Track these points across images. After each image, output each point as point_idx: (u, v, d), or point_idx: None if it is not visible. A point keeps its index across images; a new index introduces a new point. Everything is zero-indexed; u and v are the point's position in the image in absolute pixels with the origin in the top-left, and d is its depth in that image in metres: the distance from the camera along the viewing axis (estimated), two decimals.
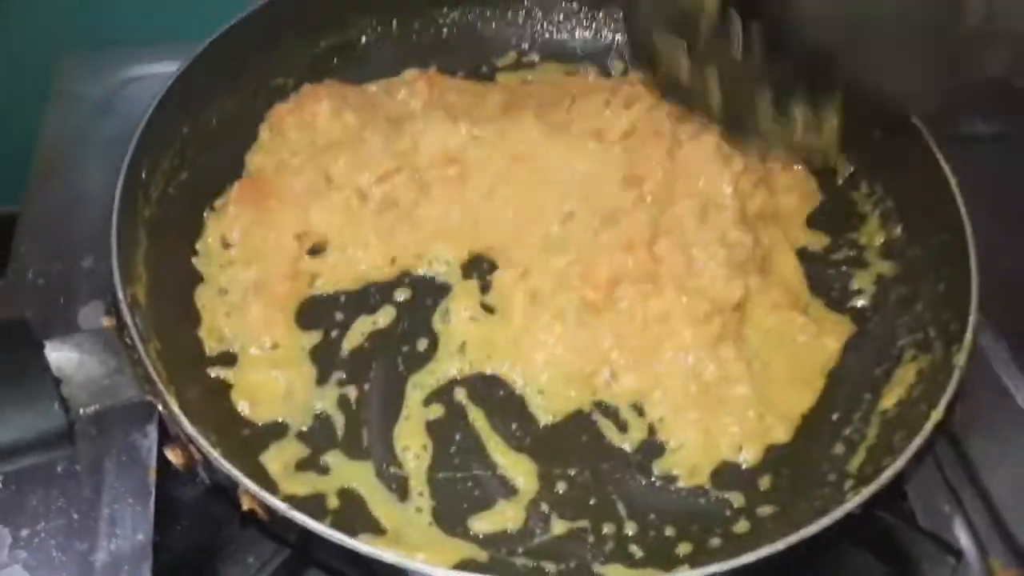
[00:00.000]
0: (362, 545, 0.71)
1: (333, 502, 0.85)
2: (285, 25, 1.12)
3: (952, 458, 1.02)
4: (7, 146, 1.41)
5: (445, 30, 1.24)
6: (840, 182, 1.08)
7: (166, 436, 0.88)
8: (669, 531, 0.84)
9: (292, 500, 0.76)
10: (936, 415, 0.81)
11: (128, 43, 1.41)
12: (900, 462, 0.79)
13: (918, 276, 0.98)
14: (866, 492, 0.77)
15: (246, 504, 0.76)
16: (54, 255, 1.14)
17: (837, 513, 0.76)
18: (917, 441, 0.79)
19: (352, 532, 0.73)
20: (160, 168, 0.97)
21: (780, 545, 0.73)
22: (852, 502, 0.77)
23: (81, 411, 0.76)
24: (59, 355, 0.77)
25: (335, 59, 1.18)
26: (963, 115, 1.36)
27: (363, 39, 1.20)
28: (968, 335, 0.86)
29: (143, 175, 0.94)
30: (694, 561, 0.79)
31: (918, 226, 1.01)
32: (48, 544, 0.90)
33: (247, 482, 0.74)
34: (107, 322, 0.83)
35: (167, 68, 1.33)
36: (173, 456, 0.85)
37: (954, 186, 0.95)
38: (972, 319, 0.87)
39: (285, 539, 0.83)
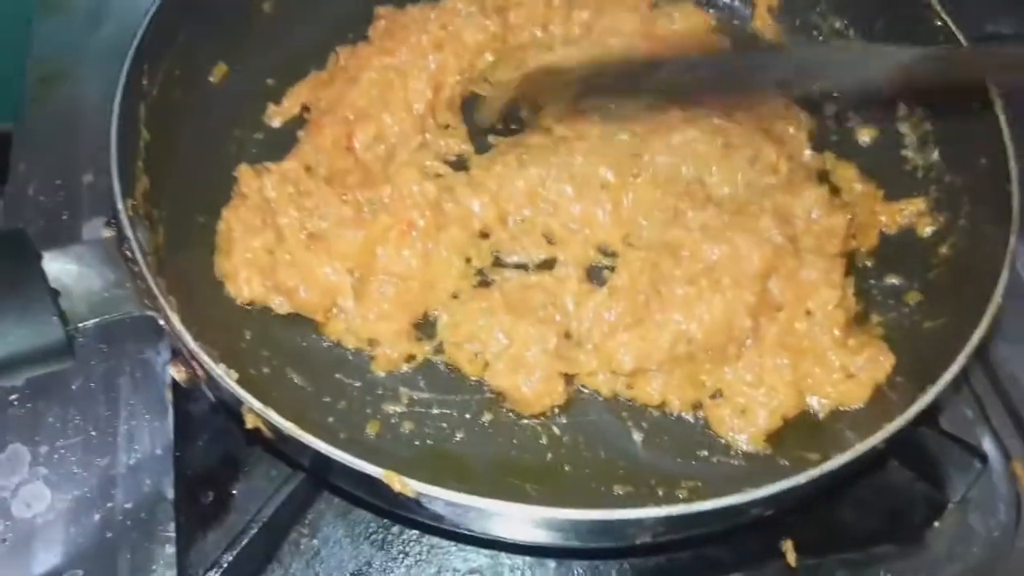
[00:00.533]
0: (372, 467, 0.68)
1: None
2: None
3: (978, 369, 1.01)
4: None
5: None
6: None
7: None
8: None
9: None
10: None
11: None
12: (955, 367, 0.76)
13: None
14: (925, 399, 0.75)
15: (250, 422, 0.74)
16: (54, 170, 1.10)
17: (883, 433, 0.74)
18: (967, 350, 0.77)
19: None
20: (159, 75, 0.92)
21: (832, 464, 0.72)
22: (895, 423, 0.74)
23: (80, 324, 0.74)
24: (57, 266, 0.74)
25: None
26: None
27: None
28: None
29: (144, 82, 0.89)
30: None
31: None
32: (68, 460, 0.89)
33: (248, 397, 0.72)
34: (107, 233, 0.80)
35: None
36: (176, 372, 0.83)
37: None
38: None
39: (298, 462, 0.82)
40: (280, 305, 0.87)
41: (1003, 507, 0.93)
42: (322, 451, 0.67)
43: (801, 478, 0.68)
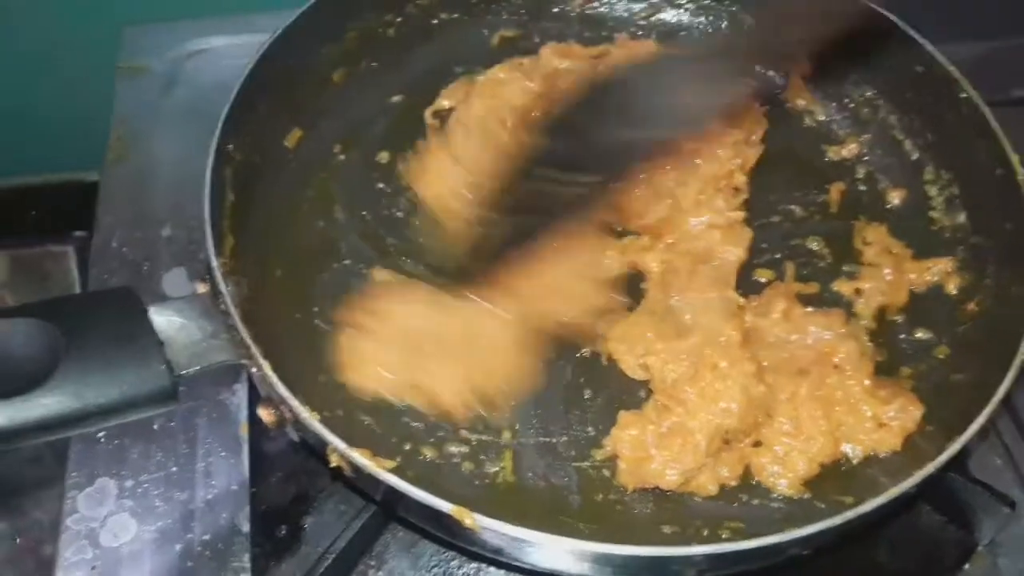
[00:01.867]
0: (443, 503, 0.74)
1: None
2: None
3: (1006, 418, 1.06)
4: (83, 114, 1.45)
5: None
6: None
7: (258, 395, 0.94)
8: None
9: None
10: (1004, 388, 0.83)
11: (188, 17, 1.45)
12: (982, 417, 0.81)
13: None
14: (955, 446, 0.80)
15: (333, 461, 0.80)
16: (134, 224, 1.19)
17: (915, 479, 0.79)
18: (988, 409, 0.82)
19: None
20: (243, 141, 1.01)
21: (867, 507, 0.77)
22: (926, 469, 0.79)
23: (184, 372, 0.81)
24: (162, 319, 0.81)
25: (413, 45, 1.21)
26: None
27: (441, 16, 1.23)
28: None
29: (230, 147, 0.98)
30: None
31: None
32: (151, 493, 0.96)
33: (335, 440, 0.78)
34: (202, 288, 0.87)
35: (227, 41, 1.41)
36: (265, 415, 0.89)
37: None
38: None
39: (371, 496, 0.88)
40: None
41: None
42: (402, 489, 0.74)
43: (836, 519, 0.73)
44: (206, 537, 0.94)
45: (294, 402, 0.77)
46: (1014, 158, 0.97)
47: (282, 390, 0.78)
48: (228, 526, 0.95)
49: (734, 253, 1.02)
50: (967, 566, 0.96)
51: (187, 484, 0.98)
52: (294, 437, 0.83)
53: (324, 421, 0.85)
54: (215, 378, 1.04)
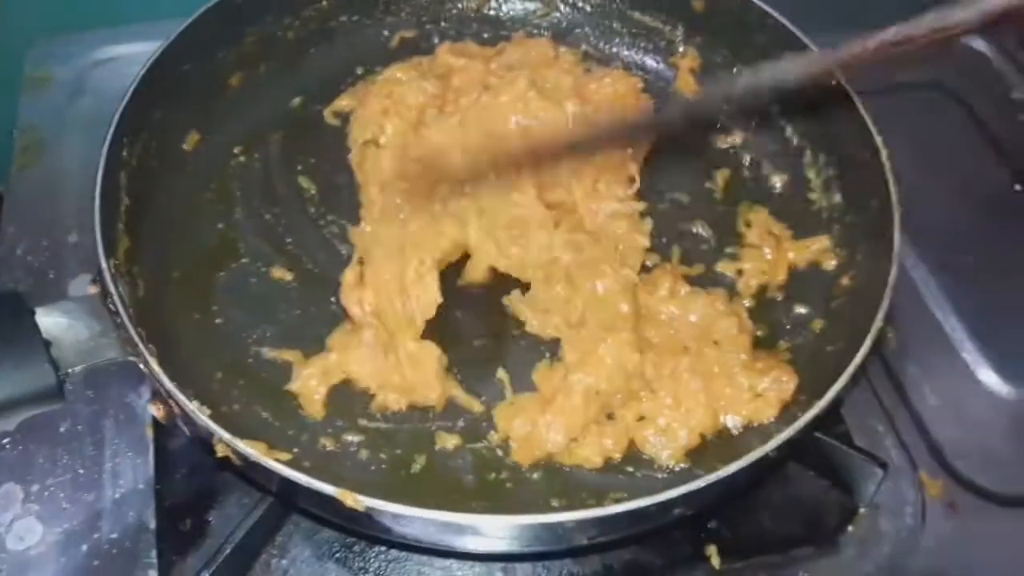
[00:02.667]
0: (326, 486, 0.76)
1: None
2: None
3: (886, 383, 1.12)
4: None
5: None
6: None
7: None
8: None
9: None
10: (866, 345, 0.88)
11: (96, 27, 1.46)
12: (838, 385, 0.86)
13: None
14: (809, 414, 0.85)
15: (220, 451, 0.82)
16: (40, 232, 1.19)
17: (783, 436, 0.83)
18: (850, 369, 0.87)
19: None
20: (137, 147, 1.03)
21: (732, 468, 0.81)
22: (796, 425, 0.84)
23: (69, 370, 0.84)
24: (49, 320, 0.84)
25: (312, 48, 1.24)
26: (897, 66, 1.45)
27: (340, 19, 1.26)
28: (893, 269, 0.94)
29: (123, 154, 1.00)
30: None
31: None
32: (57, 496, 0.97)
33: (219, 429, 0.80)
34: (92, 290, 0.89)
35: (134, 49, 1.42)
36: (156, 410, 0.92)
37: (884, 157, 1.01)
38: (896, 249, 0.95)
39: (264, 486, 0.91)
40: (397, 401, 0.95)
41: (910, 511, 1.03)
42: (283, 474, 0.76)
43: (700, 483, 0.78)
44: (113, 536, 0.95)
45: (179, 395, 0.79)
46: (879, 140, 1.03)
47: (168, 384, 0.80)
48: (136, 524, 0.96)
49: (639, 241, 1.07)
50: (850, 528, 1.01)
51: (94, 485, 0.99)
52: (186, 431, 0.85)
53: (219, 416, 0.88)
54: (121, 380, 1.05)
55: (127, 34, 1.43)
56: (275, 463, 0.77)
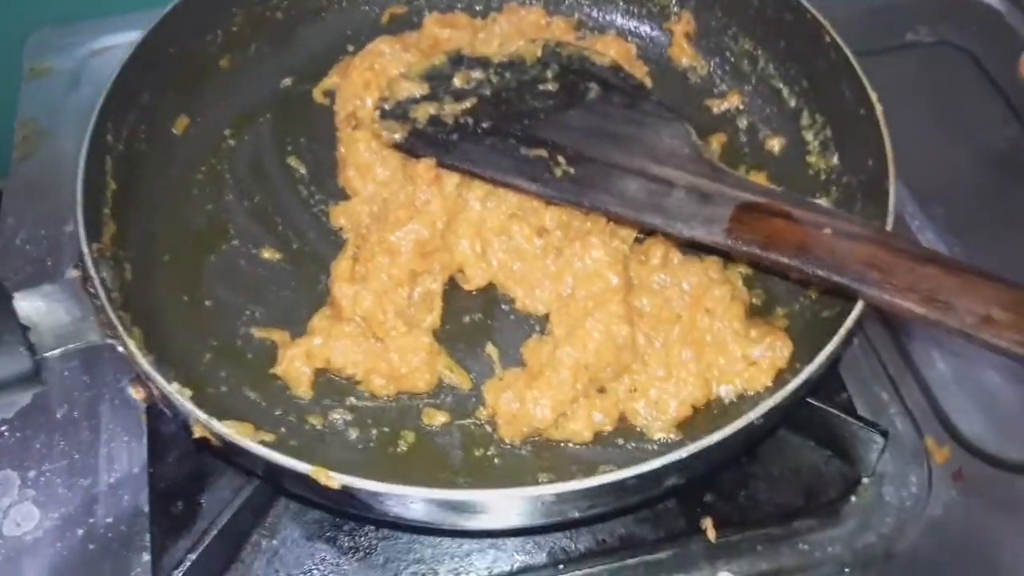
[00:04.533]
0: (301, 464, 0.76)
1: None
2: None
3: (892, 349, 1.09)
4: None
5: None
6: None
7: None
8: None
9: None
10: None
11: (93, 17, 1.46)
12: (828, 348, 0.84)
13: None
14: (799, 379, 0.82)
15: (197, 432, 0.82)
16: (39, 221, 1.20)
17: (770, 402, 0.81)
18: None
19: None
20: (123, 131, 1.03)
21: (718, 435, 0.79)
22: (785, 390, 0.82)
23: (47, 354, 0.84)
24: (28, 304, 0.84)
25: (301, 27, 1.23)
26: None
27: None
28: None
29: (108, 138, 1.00)
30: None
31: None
32: (54, 482, 0.98)
33: (194, 409, 0.79)
34: (74, 273, 0.89)
35: (133, 38, 1.40)
36: (135, 392, 0.91)
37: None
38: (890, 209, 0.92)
39: (248, 467, 0.90)
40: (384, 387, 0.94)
41: (915, 480, 1.00)
42: (257, 452, 0.76)
43: (687, 450, 0.76)
44: (109, 520, 0.96)
45: (156, 376, 0.79)
46: (874, 96, 0.99)
47: (145, 366, 0.80)
48: (131, 508, 0.97)
49: None
50: (852, 498, 0.99)
51: (90, 470, 1.00)
52: (168, 413, 0.85)
53: (205, 397, 0.88)
54: (117, 366, 1.05)
55: (126, 23, 1.43)
56: (248, 442, 0.77)
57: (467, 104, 1.02)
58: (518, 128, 1.01)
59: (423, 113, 1.03)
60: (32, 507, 0.97)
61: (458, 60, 1.03)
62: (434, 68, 1.03)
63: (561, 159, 0.98)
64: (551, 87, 1.05)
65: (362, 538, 0.93)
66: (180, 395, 0.79)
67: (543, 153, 0.99)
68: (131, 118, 1.05)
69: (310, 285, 1.01)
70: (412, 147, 1.03)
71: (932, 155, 1.24)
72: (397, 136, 1.03)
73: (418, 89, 1.02)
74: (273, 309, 1.00)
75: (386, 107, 1.06)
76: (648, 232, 1.02)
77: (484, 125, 1.01)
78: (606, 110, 1.03)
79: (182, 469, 0.98)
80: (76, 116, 1.33)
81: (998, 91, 1.32)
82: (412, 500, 0.76)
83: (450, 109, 1.02)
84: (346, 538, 0.93)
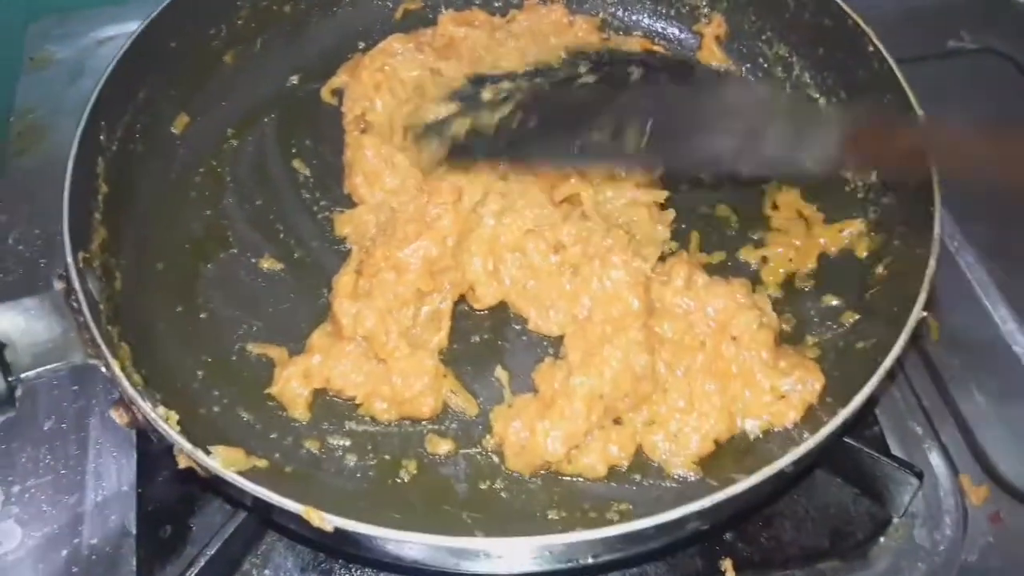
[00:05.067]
0: (292, 503, 0.71)
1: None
2: None
3: (927, 380, 1.03)
4: None
5: None
6: None
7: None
8: None
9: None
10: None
11: (96, 5, 1.40)
12: (866, 390, 0.78)
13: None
14: (833, 423, 0.77)
15: (182, 463, 0.77)
16: (33, 221, 1.15)
17: (803, 448, 0.75)
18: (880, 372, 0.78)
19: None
20: (118, 130, 0.97)
21: (753, 479, 0.73)
22: (819, 435, 0.76)
23: (23, 375, 0.79)
24: (4, 320, 0.78)
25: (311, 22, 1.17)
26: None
27: None
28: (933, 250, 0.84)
29: (101, 138, 0.94)
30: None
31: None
32: (38, 498, 0.93)
33: (179, 439, 0.75)
34: (59, 285, 0.84)
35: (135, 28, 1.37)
36: (118, 417, 0.86)
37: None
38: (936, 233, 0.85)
39: (238, 501, 0.84)
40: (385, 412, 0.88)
41: (949, 521, 0.94)
42: (247, 489, 0.70)
43: (706, 502, 0.70)
44: (94, 541, 0.91)
45: (141, 403, 0.74)
46: (919, 111, 0.93)
47: (129, 390, 0.74)
48: (117, 529, 0.92)
49: (659, 233, 0.98)
50: (881, 539, 0.92)
51: (76, 487, 0.94)
52: (153, 439, 0.79)
53: (196, 418, 0.83)
54: (107, 378, 1.00)
55: (132, 12, 1.37)
56: (236, 476, 0.71)
57: (505, 111, 0.94)
58: (572, 119, 0.93)
59: (460, 128, 0.94)
60: (14, 525, 0.92)
61: (480, 80, 0.97)
62: (456, 91, 0.96)
63: (630, 133, 0.90)
64: (589, 80, 0.96)
65: (359, 571, 0.88)
66: (166, 422, 0.74)
67: (606, 134, 0.90)
68: (127, 116, 1.00)
69: (311, 298, 0.96)
70: (462, 156, 0.95)
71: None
72: (439, 152, 0.95)
73: (445, 109, 0.95)
74: (271, 323, 0.95)
75: (419, 130, 0.98)
76: (670, 251, 0.96)
77: (531, 124, 0.93)
78: (656, 89, 0.95)
79: (172, 490, 0.93)
80: (77, 109, 1.27)
81: None
82: (411, 545, 0.70)
83: (488, 120, 0.94)
84: (343, 570, 0.88)
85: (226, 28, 1.11)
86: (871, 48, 0.99)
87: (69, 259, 0.81)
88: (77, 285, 0.79)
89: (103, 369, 0.78)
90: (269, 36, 1.15)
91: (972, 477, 0.96)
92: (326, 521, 0.69)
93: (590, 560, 0.78)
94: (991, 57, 1.32)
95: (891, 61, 0.97)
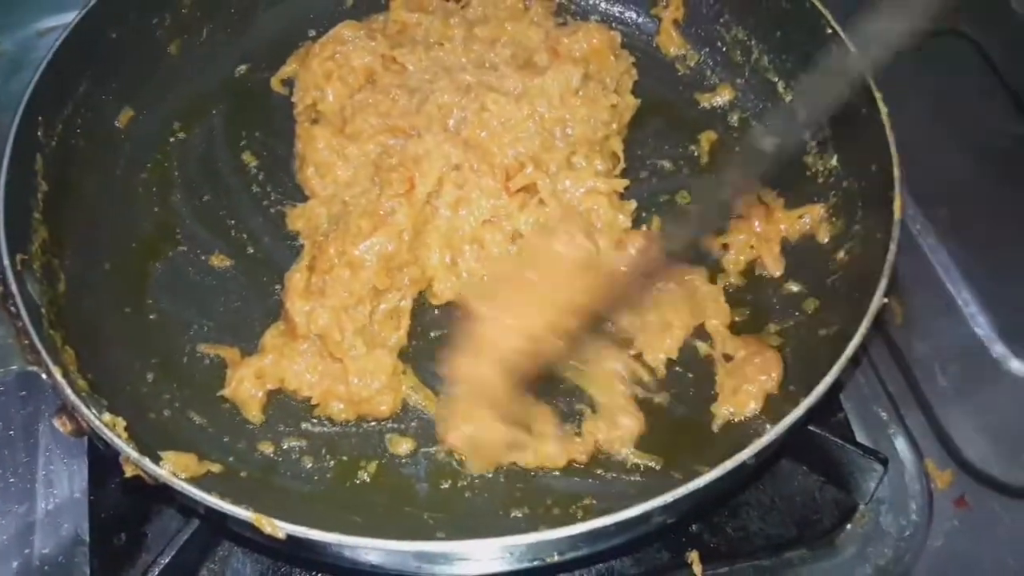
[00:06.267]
0: (241, 511, 0.69)
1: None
2: None
3: (891, 364, 1.02)
4: None
5: None
6: None
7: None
8: None
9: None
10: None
11: None
12: (828, 379, 0.77)
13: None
14: (794, 415, 0.75)
15: (128, 471, 0.75)
16: None
17: (764, 440, 0.74)
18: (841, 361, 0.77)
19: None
20: (57, 126, 0.94)
21: (717, 472, 0.72)
22: (778, 427, 0.75)
23: None
24: None
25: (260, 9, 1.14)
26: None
27: None
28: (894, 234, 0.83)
29: (39, 134, 0.91)
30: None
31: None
32: None
33: (124, 446, 0.73)
34: None
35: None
36: (61, 426, 0.83)
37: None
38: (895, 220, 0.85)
39: (191, 509, 0.82)
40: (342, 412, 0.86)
41: (915, 506, 0.94)
42: (196, 497, 0.68)
43: (668, 497, 0.69)
44: (45, 551, 0.88)
45: (85, 411, 0.71)
46: (878, 96, 0.92)
47: (72, 397, 0.72)
48: (70, 537, 0.89)
49: (621, 221, 0.97)
50: (848, 526, 0.92)
51: (26, 495, 0.91)
52: (100, 446, 0.77)
53: (146, 423, 0.80)
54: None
55: (74, 1, 1.33)
56: (184, 484, 0.69)
57: None
58: None
59: None
60: None
61: None
62: None
63: None
64: None
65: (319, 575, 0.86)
66: (112, 429, 0.71)
67: None
68: (66, 111, 0.96)
69: (263, 296, 0.94)
70: None
71: (934, 153, 1.16)
72: None
73: None
74: (223, 322, 0.92)
75: None
76: None
77: None
78: None
79: (126, 496, 0.90)
80: (10, 103, 1.23)
81: (1004, 86, 1.24)
82: (366, 550, 0.68)
83: None
84: (302, 574, 0.86)
85: (170, 17, 1.07)
86: (829, 31, 0.98)
87: (5, 262, 0.78)
88: (14, 289, 0.76)
89: (44, 376, 0.75)
90: (215, 25, 1.11)
91: (937, 462, 0.96)
92: (278, 528, 0.67)
93: (556, 558, 0.77)
94: (954, 40, 1.32)
95: (851, 45, 0.96)
